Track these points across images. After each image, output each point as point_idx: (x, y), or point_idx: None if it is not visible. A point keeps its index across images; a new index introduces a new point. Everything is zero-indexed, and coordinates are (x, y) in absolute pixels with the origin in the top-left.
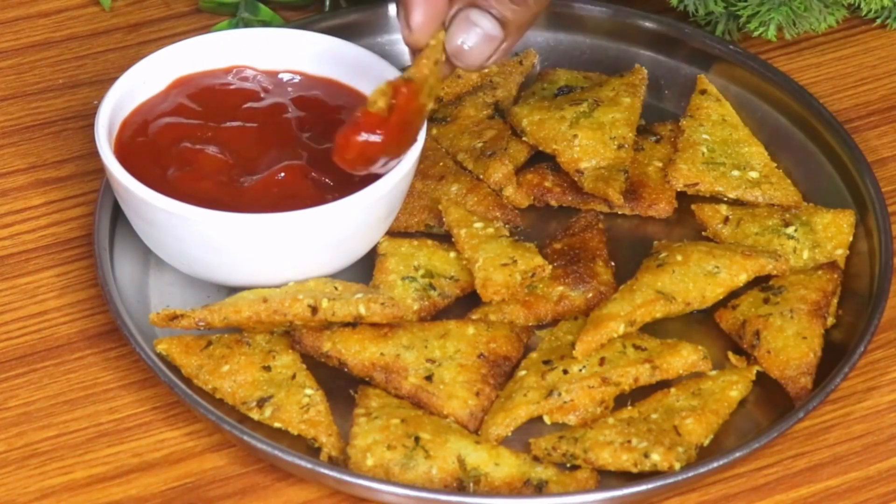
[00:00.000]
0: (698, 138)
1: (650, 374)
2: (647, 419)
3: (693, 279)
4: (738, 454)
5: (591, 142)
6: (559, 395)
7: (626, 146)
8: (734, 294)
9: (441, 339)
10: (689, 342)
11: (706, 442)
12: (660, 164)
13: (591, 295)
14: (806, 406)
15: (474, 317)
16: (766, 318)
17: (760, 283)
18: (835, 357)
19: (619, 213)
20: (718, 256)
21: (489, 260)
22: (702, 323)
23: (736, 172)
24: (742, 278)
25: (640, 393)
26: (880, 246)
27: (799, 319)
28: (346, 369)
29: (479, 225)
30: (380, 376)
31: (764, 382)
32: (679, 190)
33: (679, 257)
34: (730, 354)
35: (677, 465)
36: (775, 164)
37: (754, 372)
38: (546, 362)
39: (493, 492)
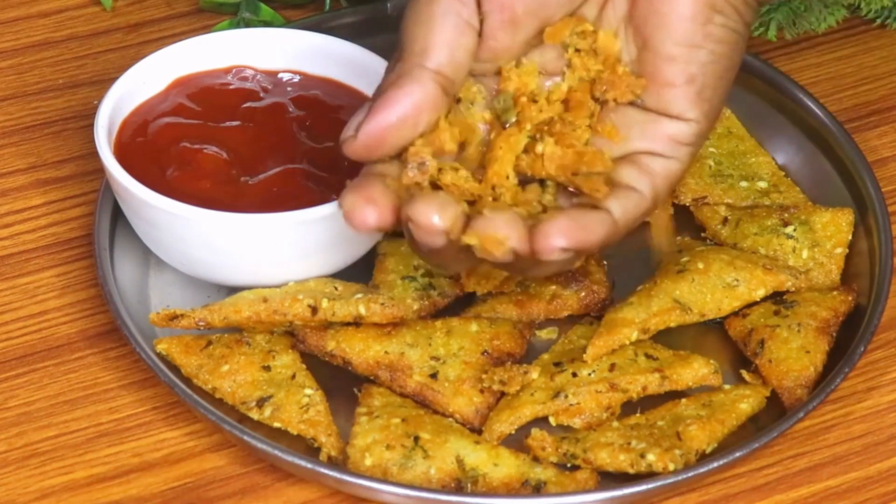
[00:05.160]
0: (705, 152)
1: (659, 384)
2: (652, 425)
3: (711, 290)
4: (738, 454)
5: None
6: (566, 397)
7: None
8: (747, 305)
9: (445, 336)
10: (702, 354)
11: (708, 449)
12: None
13: (583, 294)
14: (806, 406)
15: (467, 316)
16: (773, 328)
17: (774, 296)
18: (835, 357)
19: None
20: (739, 269)
21: None
22: (716, 333)
23: (744, 183)
24: (760, 293)
25: (651, 403)
26: (880, 246)
27: (806, 334)
28: (350, 368)
29: None
30: (384, 375)
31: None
32: (687, 205)
33: (700, 265)
34: (743, 373)
35: (672, 467)
36: (783, 173)
37: (769, 390)
38: (556, 364)
39: (491, 492)
